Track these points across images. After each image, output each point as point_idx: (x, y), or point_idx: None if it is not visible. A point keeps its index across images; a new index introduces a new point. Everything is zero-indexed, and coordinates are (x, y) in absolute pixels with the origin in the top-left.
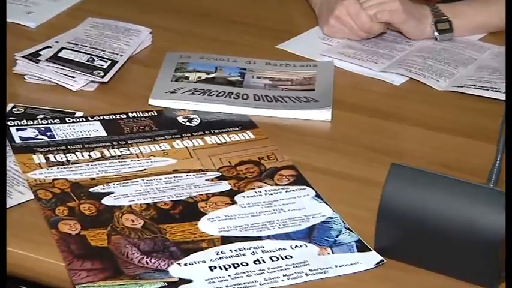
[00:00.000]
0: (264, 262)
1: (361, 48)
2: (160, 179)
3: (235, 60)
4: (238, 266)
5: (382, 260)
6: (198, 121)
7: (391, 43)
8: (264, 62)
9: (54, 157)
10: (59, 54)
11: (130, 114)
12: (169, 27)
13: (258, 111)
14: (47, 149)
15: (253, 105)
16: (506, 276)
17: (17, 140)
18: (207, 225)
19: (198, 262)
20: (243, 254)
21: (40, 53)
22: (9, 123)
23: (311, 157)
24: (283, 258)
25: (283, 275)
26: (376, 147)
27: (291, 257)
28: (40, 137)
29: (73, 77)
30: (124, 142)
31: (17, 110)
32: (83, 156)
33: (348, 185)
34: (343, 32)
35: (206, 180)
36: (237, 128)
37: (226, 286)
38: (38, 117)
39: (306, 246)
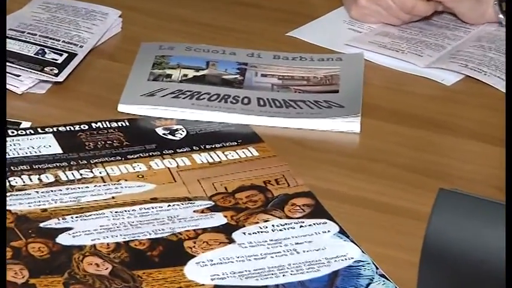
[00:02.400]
0: None
1: (400, 36)
2: (134, 210)
3: (233, 53)
4: None
5: None
6: (184, 133)
7: (441, 29)
8: (272, 55)
9: None
10: None
11: (93, 125)
12: (145, 8)
13: (263, 120)
14: None
15: (257, 112)
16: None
17: None
18: (196, 271)
19: None
20: None
21: None
22: None
23: (333, 181)
24: None
25: None
26: (419, 167)
27: None
28: None
29: (17, 76)
30: (85, 162)
31: None
32: (31, 180)
33: (381, 217)
34: (377, 14)
35: (194, 211)
36: (235, 143)
37: None
38: None
39: None
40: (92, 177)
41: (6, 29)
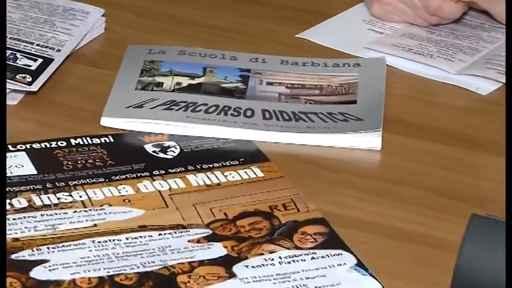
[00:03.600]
0: None
1: (428, 38)
2: (120, 240)
3: (234, 57)
4: None
5: None
6: (177, 151)
7: (476, 30)
8: (279, 60)
9: None
10: None
11: (72, 141)
12: (132, 6)
13: (269, 136)
14: None
15: (262, 126)
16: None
17: None
18: None
19: None
20: None
21: None
22: None
23: (350, 206)
24: None
25: None
26: (449, 190)
27: None
28: None
29: None
30: (63, 184)
31: None
32: None
33: (405, 248)
34: (402, 12)
35: (189, 241)
36: (236, 162)
37: None
38: None
39: None
40: (70, 202)
41: (6, 29)
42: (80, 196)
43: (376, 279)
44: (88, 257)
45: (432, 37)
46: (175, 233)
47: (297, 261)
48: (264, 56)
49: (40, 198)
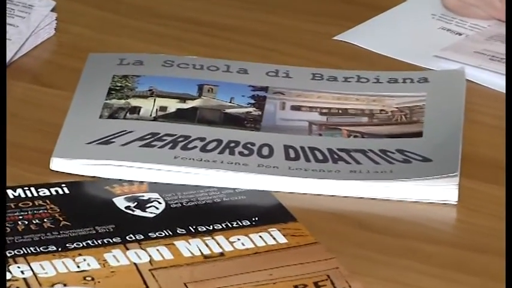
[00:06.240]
0: None
1: None
2: None
3: (243, 70)
4: None
5: None
6: (161, 207)
7: None
8: (309, 73)
9: None
10: None
11: (10, 193)
12: None
13: (294, 184)
14: None
15: (285, 170)
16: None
17: None
18: None
19: None
20: None
21: None
22: None
23: (412, 285)
24: None
25: None
26: None
27: None
28: None
29: None
30: None
31: None
32: None
33: None
34: (489, 5)
35: None
36: (247, 222)
37: None
38: None
39: None
40: (10, 280)
41: (6, 29)
42: (22, 272)
43: None
44: None
45: None
46: None
47: None
48: (288, 68)
49: None
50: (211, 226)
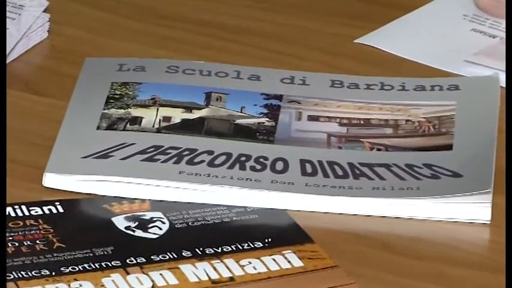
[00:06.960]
0: None
1: None
2: None
3: (255, 76)
4: None
5: None
6: (165, 227)
7: None
8: (328, 80)
9: None
10: None
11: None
12: None
13: (311, 202)
14: None
15: (301, 186)
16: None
17: None
18: None
19: None
20: None
21: None
22: None
23: None
24: None
25: None
26: None
27: None
28: None
29: None
30: None
31: None
32: None
33: None
34: None
35: None
36: (260, 244)
37: None
38: None
39: None
40: None
41: (6, 30)
42: None
43: None
44: None
45: None
46: None
47: None
48: (305, 74)
49: None
50: (219, 248)
